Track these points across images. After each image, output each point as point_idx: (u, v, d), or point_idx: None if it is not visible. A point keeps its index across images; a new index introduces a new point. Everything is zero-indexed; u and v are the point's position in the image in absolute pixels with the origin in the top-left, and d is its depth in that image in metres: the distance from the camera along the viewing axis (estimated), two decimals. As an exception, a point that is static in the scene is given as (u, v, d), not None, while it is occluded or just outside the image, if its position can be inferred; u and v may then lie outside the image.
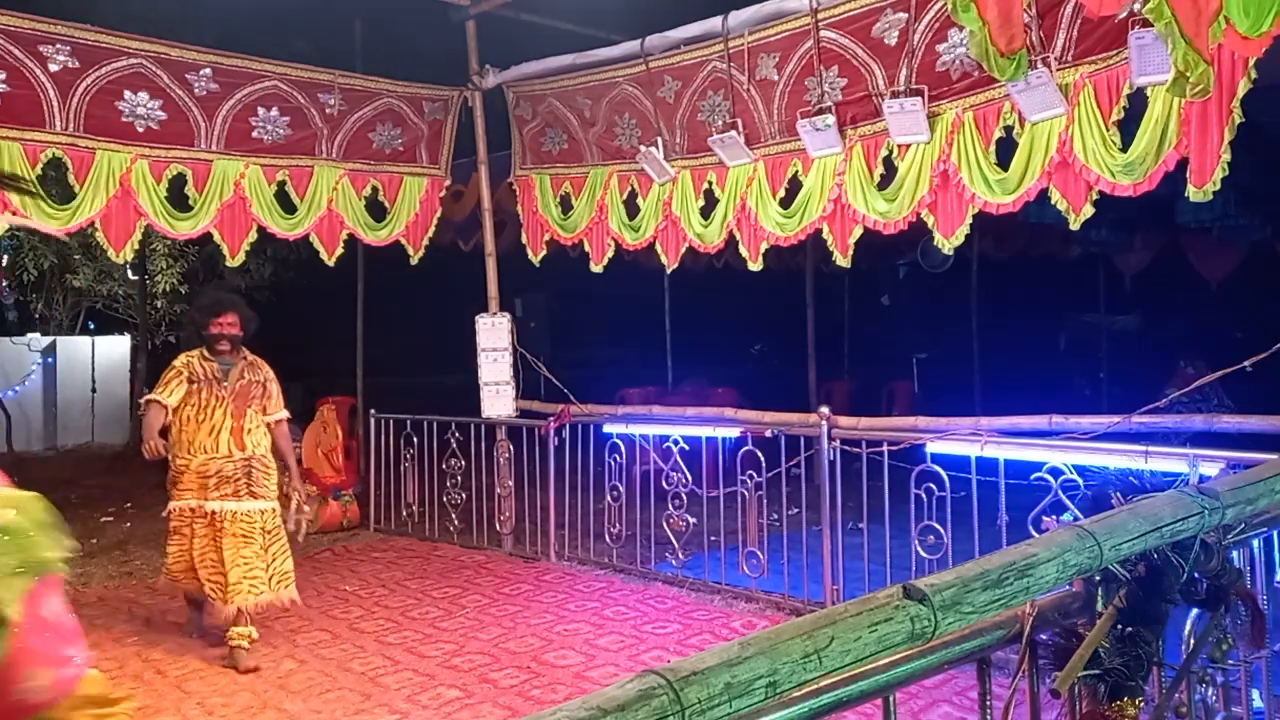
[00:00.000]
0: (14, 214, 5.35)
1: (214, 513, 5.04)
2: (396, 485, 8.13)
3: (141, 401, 4.87)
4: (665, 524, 6.45)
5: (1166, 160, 4.42)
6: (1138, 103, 4.53)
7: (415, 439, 7.91)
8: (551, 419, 7.09)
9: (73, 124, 6.07)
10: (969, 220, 5.28)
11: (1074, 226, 4.95)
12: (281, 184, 6.99)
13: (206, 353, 5.25)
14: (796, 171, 6.02)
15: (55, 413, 15.35)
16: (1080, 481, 4.35)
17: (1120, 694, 1.67)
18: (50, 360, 15.37)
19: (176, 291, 14.94)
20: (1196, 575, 1.80)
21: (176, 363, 5.21)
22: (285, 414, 5.50)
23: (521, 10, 7.59)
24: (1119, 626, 1.69)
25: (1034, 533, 1.90)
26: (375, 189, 7.45)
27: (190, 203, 6.61)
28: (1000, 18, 4.30)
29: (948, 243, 5.36)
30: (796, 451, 5.93)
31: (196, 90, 6.44)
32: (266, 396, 5.37)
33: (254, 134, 6.77)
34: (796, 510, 7.51)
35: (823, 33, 5.60)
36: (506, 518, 7.45)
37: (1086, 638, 1.66)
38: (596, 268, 7.33)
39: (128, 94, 6.21)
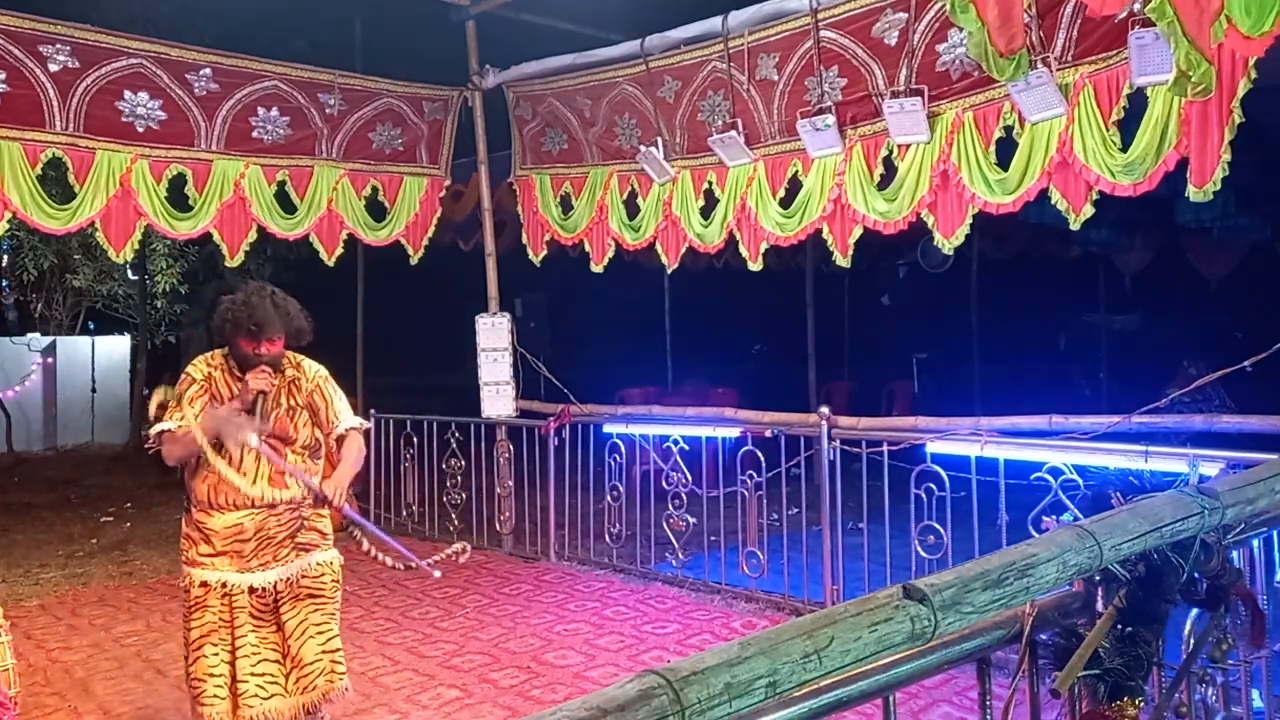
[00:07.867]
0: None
1: (258, 588, 3.65)
2: (396, 485, 8.13)
3: (151, 434, 3.67)
4: (665, 524, 6.45)
5: (1166, 160, 4.42)
6: (1138, 103, 4.53)
7: (415, 439, 7.90)
8: (551, 419, 7.09)
9: (73, 124, 6.07)
10: (969, 220, 5.28)
11: (1074, 226, 4.95)
12: (281, 184, 6.99)
13: (235, 368, 3.73)
14: (796, 171, 6.02)
15: (55, 413, 15.36)
16: (1080, 481, 4.36)
17: (1120, 694, 1.67)
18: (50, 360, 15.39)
19: (176, 291, 14.95)
20: (1196, 575, 1.80)
21: (194, 373, 3.68)
22: (356, 422, 3.97)
23: (521, 10, 7.60)
24: (1119, 626, 1.68)
25: (1034, 533, 1.90)
26: (375, 189, 7.45)
27: (190, 203, 6.62)
28: (999, 18, 4.29)
29: (948, 243, 5.36)
30: (796, 451, 5.93)
31: (196, 90, 6.44)
32: (319, 416, 3.85)
33: (254, 134, 6.77)
34: (796, 510, 7.51)
35: (823, 33, 5.60)
36: (506, 518, 7.46)
37: (1086, 638, 1.66)
38: (596, 268, 7.33)
39: (128, 94, 6.21)
